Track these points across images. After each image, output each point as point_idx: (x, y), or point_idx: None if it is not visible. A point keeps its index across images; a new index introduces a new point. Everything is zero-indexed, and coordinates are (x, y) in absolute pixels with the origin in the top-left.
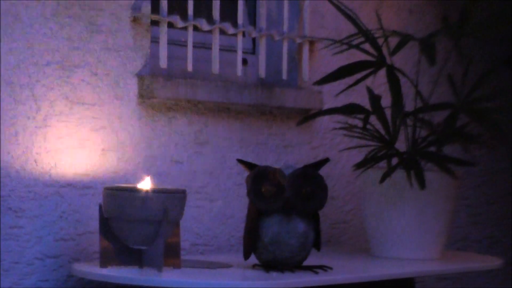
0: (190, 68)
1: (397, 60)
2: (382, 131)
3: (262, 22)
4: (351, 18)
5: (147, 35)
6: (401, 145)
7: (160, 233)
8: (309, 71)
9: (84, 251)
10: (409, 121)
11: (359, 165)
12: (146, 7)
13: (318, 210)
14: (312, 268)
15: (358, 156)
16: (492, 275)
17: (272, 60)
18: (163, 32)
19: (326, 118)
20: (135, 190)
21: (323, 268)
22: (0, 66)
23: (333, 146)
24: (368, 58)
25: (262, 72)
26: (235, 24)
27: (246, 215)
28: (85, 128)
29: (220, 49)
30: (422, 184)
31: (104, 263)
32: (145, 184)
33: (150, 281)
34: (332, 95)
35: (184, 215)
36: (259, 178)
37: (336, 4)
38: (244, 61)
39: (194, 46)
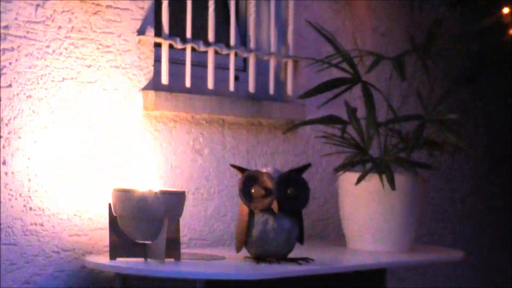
0: (188, 84)
1: (371, 77)
2: (358, 139)
3: (251, 43)
4: (330, 40)
5: (150, 55)
6: (374, 151)
7: (162, 229)
8: (293, 86)
9: (95, 245)
10: (382, 131)
11: (338, 169)
12: (150, 31)
13: (301, 209)
14: (296, 260)
15: (337, 161)
16: (455, 266)
17: (260, 77)
18: (165, 53)
19: (308, 128)
20: (140, 191)
21: (306, 260)
22: (16, 81)
23: (314, 153)
24: (345, 75)
25: (252, 88)
26: (228, 45)
27: (238, 214)
28: (96, 136)
29: (215, 67)
30: (392, 185)
31: (113, 256)
32: (149, 186)
33: (153, 272)
34: (314, 108)
35: (183, 213)
36: (249, 181)
37: (317, 28)
38: (236, 78)
39: (192, 65)
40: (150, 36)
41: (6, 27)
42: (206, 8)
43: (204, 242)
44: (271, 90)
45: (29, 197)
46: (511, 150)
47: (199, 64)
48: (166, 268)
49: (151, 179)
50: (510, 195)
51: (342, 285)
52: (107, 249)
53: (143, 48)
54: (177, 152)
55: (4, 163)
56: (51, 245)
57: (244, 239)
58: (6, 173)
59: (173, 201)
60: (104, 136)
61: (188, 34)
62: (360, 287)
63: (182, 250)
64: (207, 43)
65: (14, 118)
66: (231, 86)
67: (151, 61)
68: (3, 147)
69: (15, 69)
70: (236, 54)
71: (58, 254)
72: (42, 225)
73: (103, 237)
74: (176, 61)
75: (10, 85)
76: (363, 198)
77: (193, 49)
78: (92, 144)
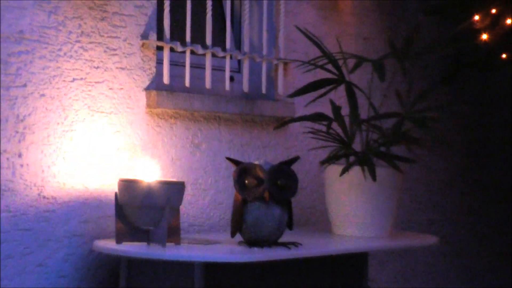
0: (187, 84)
1: (354, 78)
2: (342, 135)
3: (245, 47)
4: (317, 44)
5: (153, 58)
6: (357, 146)
7: (164, 217)
8: (283, 86)
9: (103, 231)
10: (364, 127)
11: (324, 162)
12: (153, 35)
13: (290, 198)
14: (286, 244)
15: (323, 154)
16: (429, 250)
17: (253, 77)
18: (166, 55)
19: (297, 124)
20: (144, 182)
21: (294, 244)
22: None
23: (303, 147)
24: (331, 76)
25: (245, 87)
26: (224, 48)
27: (233, 202)
28: (103, 132)
29: (212, 69)
30: (373, 177)
31: (119, 240)
32: (152, 177)
33: (155, 255)
34: (302, 106)
35: (183, 202)
36: (243, 173)
37: (305, 33)
38: (231, 78)
39: (191, 66)
40: (152, 40)
41: (21, 31)
42: (204, 15)
43: (202, 228)
44: (263, 90)
45: (43, 186)
46: (484, 145)
47: (198, 65)
48: (167, 251)
49: (153, 170)
50: (482, 186)
51: (328, 268)
52: (114, 234)
53: (146, 51)
54: (177, 146)
55: (19, 155)
56: (62, 230)
57: (238, 226)
58: (21, 165)
59: (174, 191)
60: (111, 131)
61: (188, 38)
62: (344, 269)
63: (182, 236)
64: (205, 47)
65: (29, 115)
66: (227, 86)
67: (153, 63)
68: (19, 141)
69: (30, 70)
70: (231, 57)
71: (69, 239)
72: (54, 212)
73: (110, 223)
74: (177, 63)
75: (25, 85)
76: (346, 188)
77: (192, 52)
78: (99, 139)
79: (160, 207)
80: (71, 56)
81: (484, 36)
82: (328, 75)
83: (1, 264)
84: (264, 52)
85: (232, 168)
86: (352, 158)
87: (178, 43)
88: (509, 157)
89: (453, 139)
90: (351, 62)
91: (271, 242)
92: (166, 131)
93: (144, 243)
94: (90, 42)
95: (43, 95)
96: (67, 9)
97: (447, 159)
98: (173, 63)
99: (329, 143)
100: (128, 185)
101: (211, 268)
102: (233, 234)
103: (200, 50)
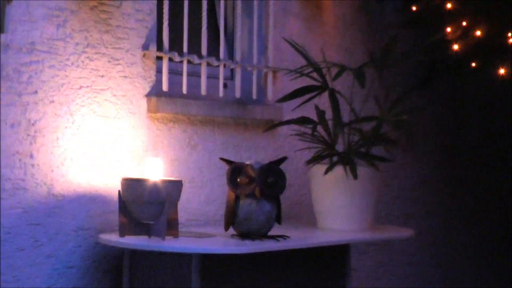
0: (185, 90)
1: (337, 85)
2: (326, 137)
3: (237, 56)
4: (303, 54)
5: (153, 67)
6: (339, 147)
7: (163, 212)
8: (272, 92)
9: (108, 225)
10: (346, 130)
11: (309, 162)
12: (153, 46)
13: (279, 195)
14: (275, 237)
15: (308, 155)
16: (406, 242)
17: (245, 84)
18: (165, 64)
19: (285, 127)
20: (145, 180)
21: (283, 237)
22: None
23: (290, 148)
24: (315, 83)
25: (238, 93)
26: (218, 58)
27: (226, 199)
28: (108, 135)
29: (207, 77)
30: (355, 175)
31: (122, 234)
32: (152, 175)
33: (156, 247)
34: (290, 110)
35: (181, 198)
36: (236, 171)
37: (292, 43)
38: (225, 85)
39: (188, 75)
40: (152, 51)
41: (32, 43)
42: (200, 28)
43: (198, 222)
44: (254, 96)
45: (52, 184)
46: (456, 144)
47: (194, 74)
48: (166, 244)
49: (153, 170)
50: (455, 183)
51: (313, 258)
52: (117, 228)
53: (147, 61)
54: (175, 147)
55: (31, 156)
56: (70, 225)
57: (231, 220)
58: (32, 165)
59: (172, 188)
60: (114, 134)
61: (185, 49)
62: (329, 259)
63: (180, 229)
64: (200, 57)
65: (40, 119)
66: (221, 92)
67: (153, 71)
68: (30, 143)
69: (40, 79)
70: (224, 66)
71: (76, 233)
72: (62, 208)
73: (114, 218)
74: (175, 72)
75: (36, 92)
76: (330, 186)
77: (188, 62)
78: (104, 141)
79: (160, 203)
80: (78, 66)
81: (455, 46)
82: (313, 82)
83: (14, 256)
84: (255, 61)
85: (226, 167)
86: (335, 158)
87: (176, 54)
88: (479, 155)
89: (428, 139)
90: (334, 71)
91: (262, 235)
92: (165, 133)
93: (145, 236)
94: (96, 53)
95: (52, 101)
96: (74, 23)
97: (422, 158)
98: (171, 72)
99: (314, 145)
100: (130, 183)
101: (207, 259)
102: (226, 228)
103: (196, 60)
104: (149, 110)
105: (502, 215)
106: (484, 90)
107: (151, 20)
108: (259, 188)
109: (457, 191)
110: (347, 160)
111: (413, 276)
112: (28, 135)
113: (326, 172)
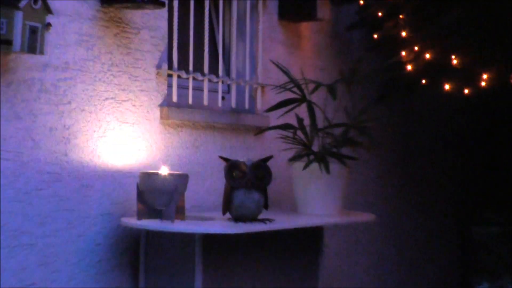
0: (190, 101)
1: (313, 97)
2: (304, 140)
3: (233, 74)
4: (286, 73)
5: (165, 82)
6: (315, 148)
7: (173, 200)
8: (261, 104)
9: (128, 210)
10: (320, 134)
11: (291, 159)
12: (165, 66)
13: (266, 186)
14: (263, 220)
15: (290, 154)
16: (368, 225)
17: (239, 97)
18: (174, 81)
19: (272, 132)
20: (158, 174)
21: (269, 220)
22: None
23: (276, 148)
24: (296, 96)
25: (233, 104)
26: (217, 75)
27: (224, 189)
28: (128, 137)
29: (208, 90)
30: (327, 170)
31: (139, 218)
32: (164, 170)
33: (167, 228)
34: (275, 118)
35: (187, 189)
36: (232, 167)
37: (277, 64)
38: (223, 98)
39: (193, 89)
40: (164, 69)
41: (66, 63)
42: (202, 51)
43: (201, 208)
44: (247, 106)
45: (82, 178)
46: (409, 147)
47: (198, 88)
48: (175, 225)
49: (165, 165)
50: (407, 177)
51: (294, 237)
52: (135, 213)
53: (160, 78)
54: (183, 147)
55: (65, 155)
56: (97, 210)
57: (227, 206)
58: (66, 162)
59: (180, 181)
60: (134, 137)
61: (191, 68)
62: (307, 238)
63: (186, 214)
64: (203, 74)
65: (72, 125)
66: (219, 103)
67: (165, 86)
68: (65, 144)
69: (73, 92)
70: (222, 82)
71: (102, 217)
72: (91, 197)
73: (133, 205)
74: (182, 86)
75: (69, 103)
76: (308, 179)
77: (194, 78)
78: (125, 142)
79: (170, 192)
80: (104, 81)
81: (409, 67)
82: (294, 96)
83: (52, 235)
84: (247, 78)
85: (223, 164)
86: (312, 157)
87: (184, 72)
88: (427, 155)
89: (386, 142)
90: (311, 86)
91: (252, 218)
92: (174, 136)
93: (158, 220)
94: (118, 71)
95: (83, 110)
96: (101, 46)
97: (382, 157)
98: (180, 86)
99: (295, 146)
100: (146, 176)
101: (208, 238)
102: (223, 213)
103: (199, 77)
104: (161, 117)
105: (444, 203)
106: (432, 103)
107: (163, 44)
108: (250, 181)
109: (408, 184)
110: (322, 158)
111: (373, 253)
112: (63, 137)
113: (305, 167)
